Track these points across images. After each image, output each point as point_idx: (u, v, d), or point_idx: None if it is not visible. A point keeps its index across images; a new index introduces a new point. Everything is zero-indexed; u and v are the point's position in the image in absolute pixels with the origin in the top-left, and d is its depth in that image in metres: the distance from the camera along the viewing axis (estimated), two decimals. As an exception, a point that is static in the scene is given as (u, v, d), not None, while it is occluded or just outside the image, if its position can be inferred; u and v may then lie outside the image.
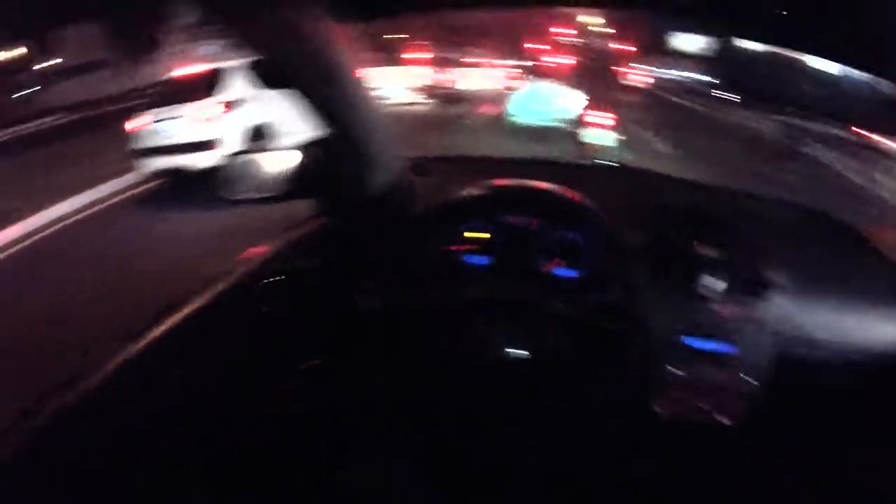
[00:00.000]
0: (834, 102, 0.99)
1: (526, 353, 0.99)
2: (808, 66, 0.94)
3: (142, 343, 0.76)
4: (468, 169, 1.32)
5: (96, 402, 0.68)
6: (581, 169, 1.74)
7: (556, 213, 1.10)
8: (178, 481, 0.81)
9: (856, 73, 0.94)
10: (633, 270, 1.05)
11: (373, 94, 1.03)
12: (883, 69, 0.89)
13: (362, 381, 1.15)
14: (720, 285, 1.06)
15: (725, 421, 1.08)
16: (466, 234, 1.10)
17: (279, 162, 1.08)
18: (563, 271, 1.09)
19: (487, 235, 1.10)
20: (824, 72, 0.94)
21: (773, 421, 1.12)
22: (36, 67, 12.60)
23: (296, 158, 1.07)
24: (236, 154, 1.10)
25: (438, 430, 1.19)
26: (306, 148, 1.10)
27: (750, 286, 1.08)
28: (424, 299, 1.03)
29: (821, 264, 1.20)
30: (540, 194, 1.12)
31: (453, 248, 1.10)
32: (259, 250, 1.01)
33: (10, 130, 9.88)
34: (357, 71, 0.91)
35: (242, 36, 0.72)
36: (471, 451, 1.20)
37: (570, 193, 1.12)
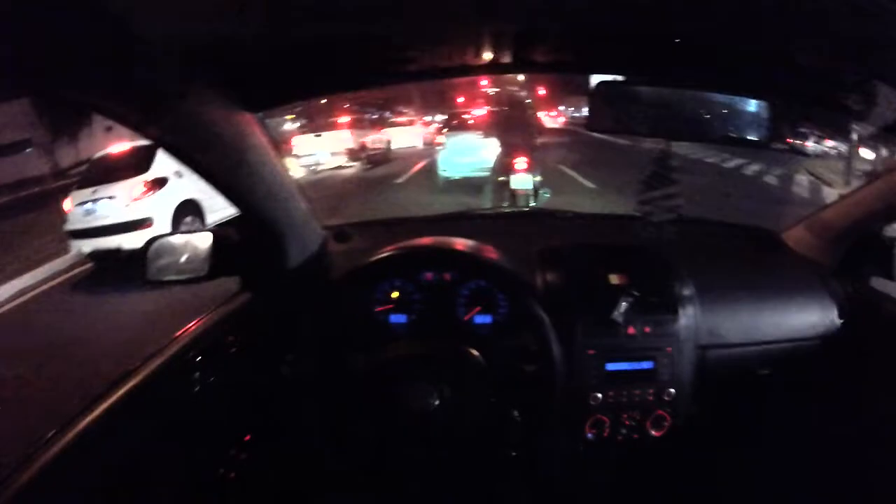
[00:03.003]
0: (733, 122, 1.12)
1: (453, 403, 1.02)
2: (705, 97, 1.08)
3: (80, 424, 0.76)
4: (391, 231, 1.38)
5: (37, 486, 0.68)
6: (501, 218, 1.85)
7: (466, 266, 1.17)
8: None
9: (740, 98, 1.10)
10: (547, 310, 1.09)
11: (286, 171, 1.09)
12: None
13: (300, 446, 1.17)
14: (633, 309, 1.14)
15: (653, 432, 1.16)
16: (387, 295, 1.16)
17: (203, 241, 1.11)
18: (479, 319, 1.15)
19: (401, 294, 1.16)
20: (717, 99, 1.09)
21: (702, 423, 1.20)
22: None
23: (218, 237, 1.11)
24: (161, 236, 1.13)
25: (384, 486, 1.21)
26: (227, 226, 1.14)
27: (661, 305, 1.18)
28: (352, 363, 1.07)
29: (732, 271, 1.31)
30: (449, 251, 1.19)
31: (377, 309, 1.15)
32: (192, 326, 1.03)
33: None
34: (267, 153, 0.96)
35: (149, 128, 0.75)
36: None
37: (478, 246, 1.20)
